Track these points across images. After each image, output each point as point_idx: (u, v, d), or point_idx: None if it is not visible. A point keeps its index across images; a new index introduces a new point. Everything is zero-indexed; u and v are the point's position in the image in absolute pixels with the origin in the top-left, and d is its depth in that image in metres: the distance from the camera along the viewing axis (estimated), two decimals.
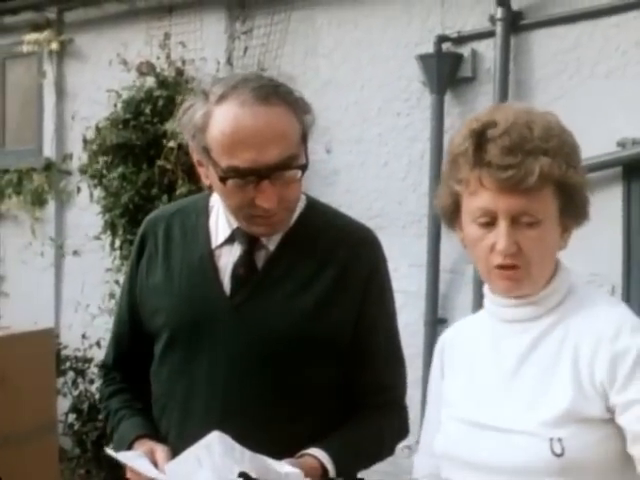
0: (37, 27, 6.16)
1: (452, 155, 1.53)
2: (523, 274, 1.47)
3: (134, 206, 5.07)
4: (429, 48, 4.38)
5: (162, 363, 1.80)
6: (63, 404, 5.12)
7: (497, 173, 1.43)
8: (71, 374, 5.32)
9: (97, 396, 5.21)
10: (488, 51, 4.26)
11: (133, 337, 1.89)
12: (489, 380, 1.53)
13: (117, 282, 5.35)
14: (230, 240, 1.77)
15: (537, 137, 1.44)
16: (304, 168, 1.66)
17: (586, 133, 3.88)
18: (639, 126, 3.83)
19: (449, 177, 1.54)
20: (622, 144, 3.86)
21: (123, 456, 1.67)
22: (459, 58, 4.32)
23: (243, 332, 1.71)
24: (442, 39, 4.35)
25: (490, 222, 1.47)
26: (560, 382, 1.43)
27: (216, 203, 1.82)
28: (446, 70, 4.30)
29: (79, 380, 5.33)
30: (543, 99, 4.09)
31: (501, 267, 1.47)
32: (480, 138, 1.47)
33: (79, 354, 5.40)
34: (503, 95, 4.12)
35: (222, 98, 1.63)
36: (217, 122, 1.62)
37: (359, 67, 4.76)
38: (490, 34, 4.21)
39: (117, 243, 5.31)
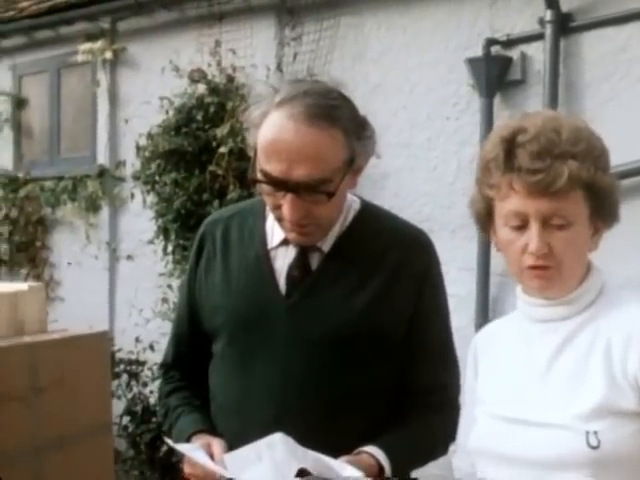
0: (91, 37, 6.30)
1: (484, 161, 1.57)
2: (554, 274, 1.51)
3: (186, 211, 5.15)
4: (478, 51, 4.39)
5: (220, 361, 1.85)
6: (117, 407, 5.21)
7: (527, 177, 1.47)
8: (125, 377, 5.41)
9: (151, 399, 5.30)
10: (537, 54, 4.25)
11: (192, 336, 1.93)
12: (522, 377, 1.56)
13: (170, 286, 5.44)
14: (285, 242, 1.81)
15: (565, 141, 1.48)
16: (331, 195, 1.67)
17: (637, 135, 3.88)
18: None
19: (482, 183, 1.58)
20: None
21: (181, 447, 1.72)
22: (508, 61, 4.32)
23: (298, 331, 1.75)
24: (491, 42, 4.36)
25: (522, 225, 1.50)
26: (594, 376, 1.46)
27: None
28: (495, 73, 4.30)
29: (133, 383, 5.42)
30: (593, 101, 4.08)
31: (533, 267, 1.51)
32: (510, 144, 1.51)
33: (132, 357, 5.49)
34: (553, 98, 4.11)
35: (280, 104, 1.67)
36: (267, 125, 1.67)
37: (408, 71, 4.78)
38: (539, 36, 4.21)
39: (169, 248, 5.40)
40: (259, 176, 1.68)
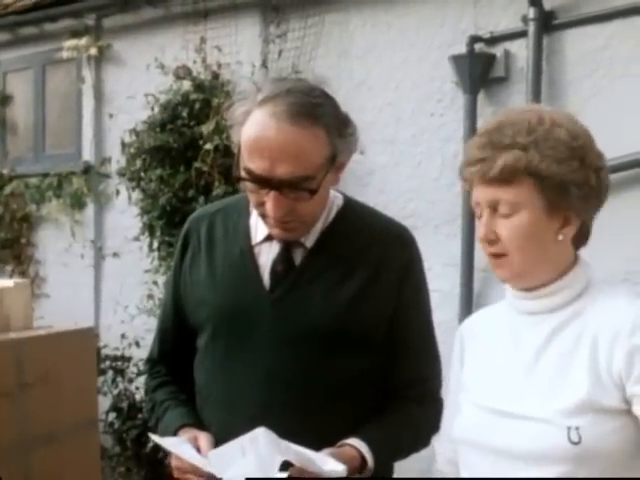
0: (76, 33, 6.28)
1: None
2: (506, 261, 1.54)
3: (172, 208, 5.15)
4: (462, 49, 4.42)
5: (205, 355, 1.87)
6: (103, 403, 5.22)
7: (470, 167, 1.55)
8: (110, 373, 5.41)
9: (136, 396, 5.31)
10: (521, 51, 4.28)
11: (177, 332, 1.96)
12: (508, 369, 1.58)
13: (155, 283, 5.45)
14: (269, 238, 1.84)
15: (515, 132, 1.52)
16: (313, 192, 1.70)
17: (619, 132, 3.92)
18: None
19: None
20: None
21: (167, 442, 1.74)
22: (492, 58, 4.35)
23: (282, 325, 1.77)
24: (475, 39, 4.39)
25: (480, 215, 1.57)
26: (578, 372, 1.48)
27: None
28: (479, 70, 4.33)
29: (118, 379, 5.43)
30: (576, 98, 4.12)
31: (491, 256, 1.56)
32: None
33: (118, 353, 5.49)
34: (536, 95, 4.14)
35: (262, 102, 1.69)
36: (250, 124, 1.69)
37: (392, 68, 4.80)
38: (522, 34, 4.24)
39: (155, 244, 5.40)
40: (243, 174, 1.70)
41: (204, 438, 1.73)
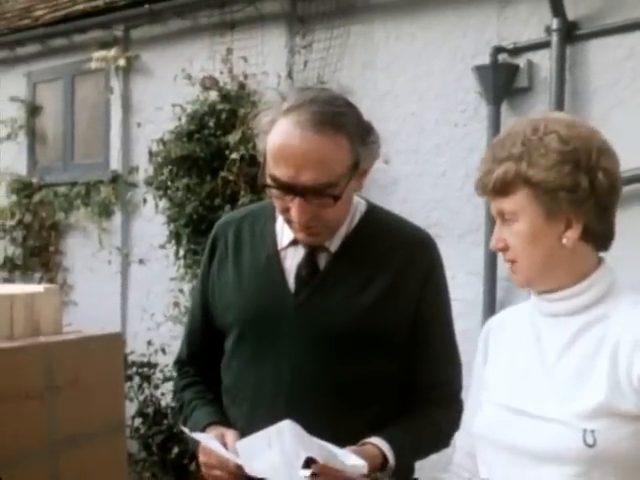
0: (105, 45, 6.40)
1: None
2: (517, 267, 1.60)
3: (198, 216, 5.22)
4: (485, 59, 4.46)
5: (232, 357, 1.93)
6: (129, 409, 5.28)
7: (477, 181, 1.63)
8: (137, 379, 5.48)
9: (162, 402, 5.37)
10: (544, 61, 4.32)
11: (205, 334, 2.01)
12: (529, 370, 1.61)
13: (181, 291, 5.51)
14: (294, 242, 1.89)
15: (509, 144, 1.58)
16: (336, 198, 1.74)
17: None
18: None
19: None
20: None
21: (197, 435, 1.79)
22: (515, 69, 4.39)
23: (306, 328, 1.82)
24: (498, 50, 4.42)
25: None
26: (597, 377, 1.50)
27: None
28: (502, 81, 4.37)
29: (145, 385, 5.49)
30: (599, 109, 4.14)
31: (506, 262, 1.63)
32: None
33: (144, 360, 5.56)
34: (559, 105, 4.17)
35: (287, 111, 1.74)
36: (275, 132, 1.74)
37: (416, 79, 4.85)
38: (546, 45, 4.27)
39: (181, 252, 5.47)
40: (268, 181, 1.76)
41: (230, 435, 1.78)
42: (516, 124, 1.65)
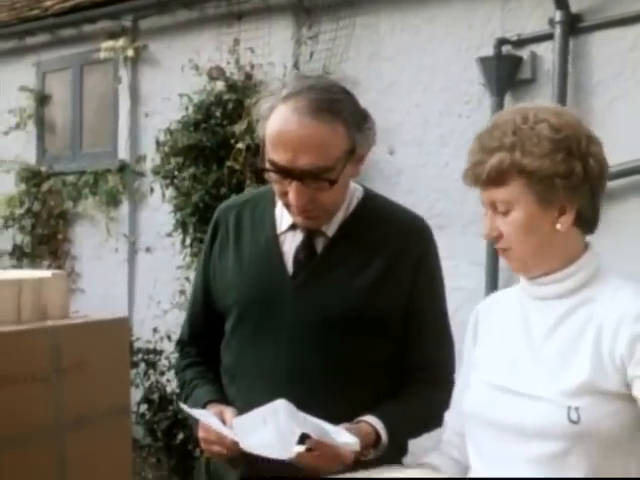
0: (113, 35, 6.45)
1: None
2: (512, 254, 1.64)
3: (204, 205, 5.27)
4: (489, 51, 4.49)
5: (232, 337, 1.99)
6: (135, 395, 5.34)
7: (466, 172, 1.66)
8: (143, 366, 5.54)
9: (167, 388, 5.44)
10: (547, 53, 4.35)
11: (206, 316, 2.07)
12: (517, 350, 1.67)
13: (187, 279, 5.57)
14: (293, 227, 1.95)
15: (500, 134, 1.60)
16: (333, 182, 1.80)
17: None
18: None
19: None
20: None
21: (196, 412, 1.85)
22: (519, 60, 4.42)
23: (303, 309, 1.88)
24: (502, 42, 4.46)
25: (486, 213, 1.67)
26: (582, 357, 1.56)
27: None
28: (506, 72, 4.40)
29: (150, 372, 5.55)
30: (601, 100, 4.18)
31: (499, 250, 1.66)
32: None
33: (150, 347, 5.62)
34: (562, 96, 4.21)
35: (285, 98, 1.81)
36: (274, 118, 1.81)
37: (421, 71, 4.89)
38: (549, 37, 4.31)
39: (187, 241, 5.52)
40: (267, 165, 1.81)
41: (229, 412, 1.84)
42: (502, 114, 1.69)
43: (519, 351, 1.66)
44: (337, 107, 1.79)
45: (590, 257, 1.66)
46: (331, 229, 1.92)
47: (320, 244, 1.92)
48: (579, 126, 1.63)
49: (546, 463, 1.53)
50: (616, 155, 4.16)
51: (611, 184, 4.11)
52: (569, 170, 1.58)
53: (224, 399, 1.95)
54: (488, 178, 1.60)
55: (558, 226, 1.61)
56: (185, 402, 2.02)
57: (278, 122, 1.78)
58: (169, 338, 5.43)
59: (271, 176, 1.83)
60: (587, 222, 1.66)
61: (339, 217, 1.93)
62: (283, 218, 1.96)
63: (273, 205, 2.00)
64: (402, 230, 1.96)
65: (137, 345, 5.56)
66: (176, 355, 2.25)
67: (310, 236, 1.92)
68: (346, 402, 1.84)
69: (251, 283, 1.94)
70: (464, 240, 4.63)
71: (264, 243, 1.96)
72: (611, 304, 1.58)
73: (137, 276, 6.47)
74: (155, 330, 5.68)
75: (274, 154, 1.79)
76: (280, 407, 1.67)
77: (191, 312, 2.15)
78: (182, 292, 5.64)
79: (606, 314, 1.57)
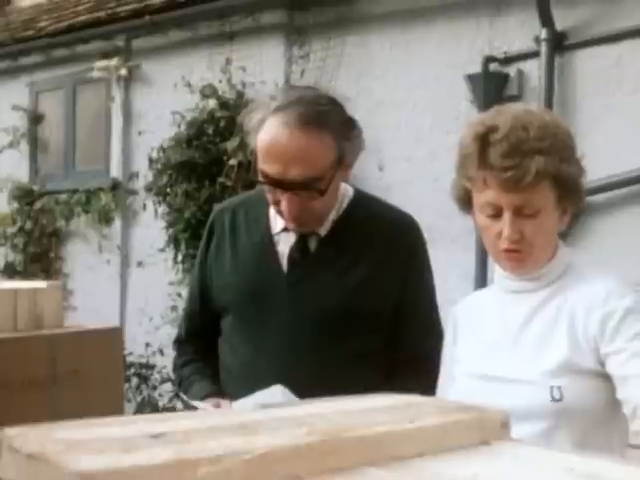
0: (106, 54, 6.54)
1: (461, 156, 1.73)
2: (526, 256, 1.68)
3: (196, 221, 5.33)
4: (477, 68, 4.59)
5: (228, 333, 2.04)
6: (127, 409, 5.37)
7: (499, 174, 1.63)
8: (135, 380, 5.57)
9: (160, 402, 5.46)
10: (533, 70, 4.45)
11: (203, 313, 2.13)
12: (497, 340, 1.74)
13: (179, 295, 5.62)
14: (286, 228, 2.00)
15: (533, 138, 1.63)
16: (322, 192, 1.85)
17: (629, 147, 4.07)
18: None
19: (460, 174, 1.74)
20: None
21: (195, 403, 1.90)
22: (505, 77, 4.52)
23: (298, 306, 1.94)
24: (489, 59, 4.56)
25: (496, 214, 1.67)
26: (559, 339, 1.64)
27: None
28: (493, 89, 4.50)
29: (143, 386, 5.58)
30: (586, 116, 4.27)
31: (508, 250, 1.69)
32: (483, 143, 1.65)
33: (143, 361, 5.65)
34: None
35: (275, 111, 1.87)
36: (264, 131, 1.87)
37: (410, 88, 4.98)
38: (535, 54, 4.41)
39: (179, 257, 5.57)
40: (260, 176, 1.88)
41: (226, 405, 1.89)
42: (504, 111, 1.70)
43: (498, 340, 1.74)
44: (325, 119, 1.85)
45: (563, 253, 1.74)
46: (324, 229, 1.99)
47: (313, 243, 1.99)
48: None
49: (534, 442, 1.59)
50: (600, 169, 4.27)
51: (595, 198, 4.21)
52: (579, 174, 1.67)
53: (222, 393, 2.00)
54: (528, 181, 1.60)
55: (560, 226, 1.70)
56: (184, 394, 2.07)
57: (268, 135, 1.85)
58: (161, 352, 5.47)
59: (264, 186, 1.90)
60: (570, 222, 1.74)
61: (331, 217, 1.99)
62: (277, 219, 2.03)
63: (267, 206, 2.06)
64: (392, 226, 2.03)
65: (129, 359, 5.60)
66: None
67: (304, 236, 1.99)
68: (339, 392, 1.89)
69: (247, 281, 2.00)
70: (453, 254, 4.69)
71: (259, 243, 2.03)
72: (581, 291, 1.67)
73: (129, 293, 6.51)
74: (148, 345, 5.72)
75: (265, 166, 1.85)
76: (277, 392, 1.72)
77: (188, 311, 2.21)
78: (174, 308, 5.69)
79: (577, 300, 1.66)
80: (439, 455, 0.78)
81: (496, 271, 1.80)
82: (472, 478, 0.69)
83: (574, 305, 1.66)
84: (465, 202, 1.77)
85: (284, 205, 1.86)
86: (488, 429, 0.84)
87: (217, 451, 0.67)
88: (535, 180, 1.60)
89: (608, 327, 1.59)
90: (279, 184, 1.84)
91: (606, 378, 1.60)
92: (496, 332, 1.74)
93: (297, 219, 1.90)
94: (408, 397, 0.99)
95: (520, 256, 1.68)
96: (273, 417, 0.84)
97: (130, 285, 6.51)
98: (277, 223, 2.02)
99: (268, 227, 2.03)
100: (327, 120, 1.85)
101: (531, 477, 0.73)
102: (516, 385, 1.64)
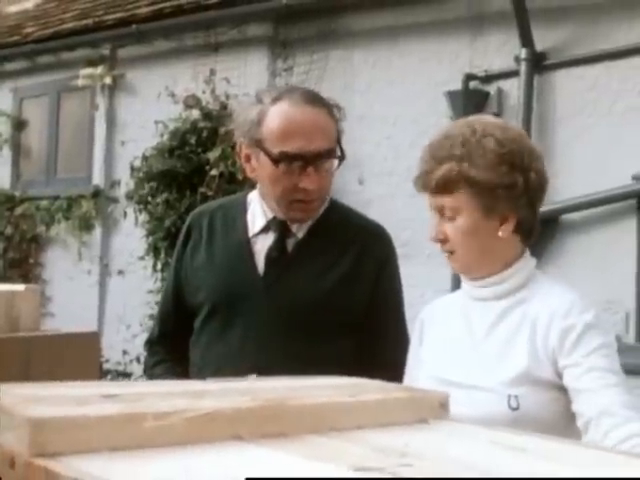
0: (91, 63, 6.56)
1: None
2: (456, 258, 1.75)
3: (176, 230, 5.34)
4: (458, 86, 4.66)
5: (201, 333, 2.08)
6: None
7: (416, 179, 1.76)
8: None
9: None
10: (513, 89, 4.52)
11: (176, 314, 2.16)
12: (460, 346, 1.79)
13: (157, 303, 5.62)
14: (265, 229, 2.06)
15: (450, 145, 1.71)
16: (341, 159, 1.97)
17: (604, 167, 4.14)
18: None
19: None
20: (637, 178, 4.07)
21: None
22: (486, 95, 4.59)
23: (272, 306, 1.99)
24: (470, 77, 4.63)
25: (435, 218, 1.78)
26: (519, 349, 1.69)
27: (253, 199, 2.12)
28: (473, 106, 4.55)
29: None
30: (564, 135, 4.34)
31: (445, 253, 1.77)
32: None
33: (120, 368, 5.66)
34: (526, 130, 4.32)
35: (276, 99, 1.96)
36: (272, 117, 1.94)
37: (392, 103, 5.04)
38: (515, 73, 4.48)
39: (159, 265, 5.59)
40: (279, 158, 1.93)
41: None
42: (452, 126, 1.81)
43: (462, 347, 1.78)
44: (321, 98, 1.99)
45: (526, 262, 1.79)
46: (301, 231, 2.05)
47: (291, 245, 2.05)
48: (522, 141, 1.75)
49: None
50: (576, 188, 4.35)
51: (569, 216, 4.28)
52: (512, 182, 1.70)
53: None
54: (437, 186, 1.71)
55: (500, 233, 1.74)
56: None
57: (281, 117, 1.92)
58: (138, 360, 5.48)
59: (279, 172, 1.93)
60: (526, 230, 1.79)
61: (309, 221, 2.04)
62: (255, 221, 2.08)
63: (245, 211, 2.11)
64: (366, 234, 2.10)
65: (107, 367, 5.60)
66: (144, 346, 2.31)
67: (282, 237, 2.04)
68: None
69: (222, 281, 2.04)
70: (429, 269, 4.74)
71: (236, 245, 2.07)
72: (543, 303, 1.71)
73: (107, 300, 6.52)
74: (125, 352, 5.72)
75: (285, 146, 1.92)
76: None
77: (161, 312, 2.24)
78: (152, 316, 5.70)
79: (539, 311, 1.70)
80: (377, 429, 0.81)
81: (462, 278, 1.84)
82: (403, 447, 0.73)
83: (536, 316, 1.70)
84: None
85: (308, 182, 1.92)
86: (427, 408, 0.89)
87: (163, 409, 0.71)
88: (447, 184, 1.68)
89: (567, 341, 1.64)
90: (304, 158, 1.91)
91: (563, 390, 1.64)
92: (460, 338, 1.79)
93: (314, 199, 1.98)
94: (355, 379, 1.03)
95: (452, 257, 1.76)
96: (221, 387, 0.88)
97: (109, 293, 6.52)
98: (255, 225, 2.07)
99: (245, 230, 2.08)
100: (323, 99, 1.99)
101: (458, 447, 0.77)
102: (476, 392, 1.68)
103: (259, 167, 1.99)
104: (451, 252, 1.75)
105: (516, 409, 1.63)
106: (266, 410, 0.76)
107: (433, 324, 1.89)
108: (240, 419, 0.74)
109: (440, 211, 1.73)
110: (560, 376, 1.64)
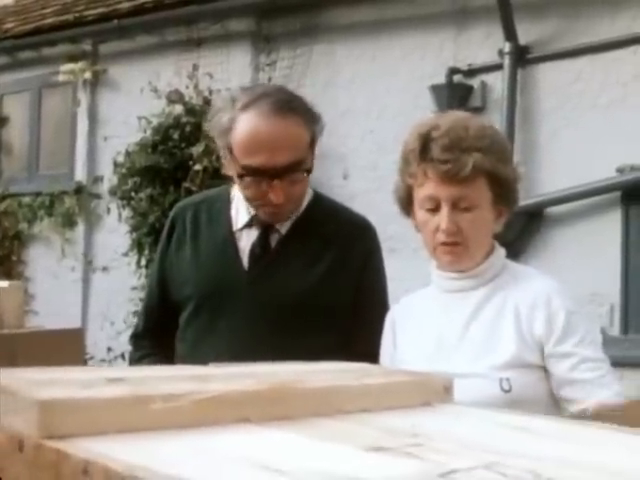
0: (73, 58, 6.52)
1: (404, 153, 1.80)
2: (462, 250, 1.75)
3: (160, 226, 5.31)
4: (441, 80, 4.66)
5: (187, 328, 2.06)
6: None
7: (438, 166, 1.71)
8: None
9: None
10: (496, 83, 4.53)
11: (161, 309, 2.14)
12: (441, 340, 1.80)
13: (142, 300, 5.60)
14: (249, 225, 2.05)
15: (471, 137, 1.72)
16: (309, 171, 1.93)
17: (588, 160, 4.16)
18: (637, 153, 4.07)
19: (403, 172, 1.81)
20: (621, 170, 4.09)
21: None
22: (469, 89, 4.60)
23: (257, 300, 1.97)
24: (454, 71, 4.63)
25: (435, 208, 1.74)
26: (506, 335, 1.72)
27: (237, 193, 2.10)
28: (457, 100, 4.57)
29: None
30: (548, 128, 4.35)
31: (444, 244, 1.75)
32: (425, 139, 1.73)
33: (105, 365, 5.63)
34: (510, 124, 4.37)
35: (245, 107, 1.91)
36: (239, 127, 1.91)
37: (376, 97, 5.04)
38: (498, 67, 4.49)
39: (143, 262, 5.57)
40: (242, 172, 1.91)
41: None
42: (446, 114, 1.82)
43: (444, 338, 1.79)
44: (294, 104, 1.93)
45: (499, 253, 1.82)
46: (284, 226, 2.03)
47: (274, 240, 2.03)
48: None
49: None
50: (560, 181, 4.36)
51: (553, 209, 4.29)
52: (516, 176, 1.76)
53: None
54: (464, 176, 1.69)
55: (496, 227, 1.78)
56: None
57: (246, 129, 1.89)
58: (123, 357, 5.46)
59: (245, 182, 1.92)
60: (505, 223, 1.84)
61: (292, 216, 2.03)
62: (239, 216, 2.06)
63: (229, 204, 2.10)
64: (350, 227, 2.08)
65: (91, 364, 5.57)
66: (130, 341, 2.30)
67: (266, 233, 2.02)
68: None
69: (208, 276, 2.03)
70: (415, 263, 4.72)
71: (221, 239, 2.06)
72: (524, 290, 1.74)
73: (91, 297, 6.49)
74: (109, 349, 5.70)
75: (249, 159, 1.89)
76: None
77: (146, 306, 2.23)
78: (137, 313, 5.67)
79: (520, 299, 1.73)
80: (382, 412, 0.81)
81: (433, 272, 1.84)
82: (410, 428, 0.73)
83: (517, 303, 1.73)
84: (406, 202, 1.84)
85: (273, 195, 1.90)
86: (431, 392, 0.89)
87: (172, 391, 0.71)
88: (472, 174, 1.69)
89: (554, 328, 1.68)
90: (268, 173, 1.88)
91: (546, 371, 1.70)
92: (441, 332, 1.79)
93: (284, 206, 1.94)
94: (359, 364, 1.03)
95: (457, 249, 1.74)
96: (227, 372, 0.88)
97: (93, 289, 6.49)
98: (239, 220, 2.06)
99: (230, 224, 2.07)
100: (296, 105, 1.94)
101: (466, 428, 0.77)
102: (466, 379, 1.68)
103: (231, 170, 1.97)
104: (459, 244, 1.74)
105: (508, 391, 1.66)
106: (273, 393, 0.76)
107: (405, 324, 1.90)
108: (248, 401, 0.74)
109: (453, 202, 1.72)
110: (545, 360, 1.69)
